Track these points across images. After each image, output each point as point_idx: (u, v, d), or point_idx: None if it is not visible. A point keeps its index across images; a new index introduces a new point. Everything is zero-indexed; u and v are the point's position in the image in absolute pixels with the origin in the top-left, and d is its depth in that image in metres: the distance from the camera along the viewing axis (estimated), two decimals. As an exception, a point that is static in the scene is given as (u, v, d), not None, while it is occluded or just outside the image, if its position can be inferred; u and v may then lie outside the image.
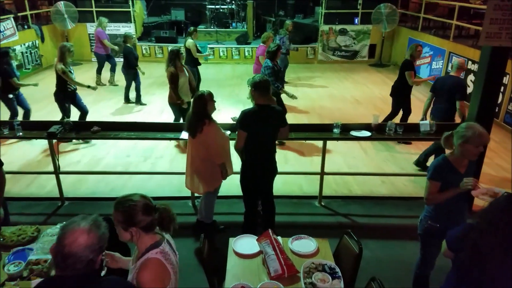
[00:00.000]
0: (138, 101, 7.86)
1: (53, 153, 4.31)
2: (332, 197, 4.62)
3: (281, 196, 4.32)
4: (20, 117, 6.07)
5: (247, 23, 12.13)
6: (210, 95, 3.47)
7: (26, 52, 9.91)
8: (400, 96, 5.98)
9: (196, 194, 4.31)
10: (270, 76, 5.40)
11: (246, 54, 11.53)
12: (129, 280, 1.88)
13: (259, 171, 3.52)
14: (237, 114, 3.55)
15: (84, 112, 6.03)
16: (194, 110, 3.48)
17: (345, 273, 2.51)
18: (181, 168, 4.76)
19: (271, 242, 2.58)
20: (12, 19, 9.43)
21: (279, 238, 2.69)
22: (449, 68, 8.53)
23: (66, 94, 5.74)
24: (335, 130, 4.20)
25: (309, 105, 7.97)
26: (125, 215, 1.83)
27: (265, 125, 3.39)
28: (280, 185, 3.75)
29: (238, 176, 3.76)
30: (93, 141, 5.87)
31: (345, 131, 4.23)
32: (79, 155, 5.65)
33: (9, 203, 3.72)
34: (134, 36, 7.90)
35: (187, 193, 4.37)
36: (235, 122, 4.01)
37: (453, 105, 4.85)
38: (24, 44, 9.83)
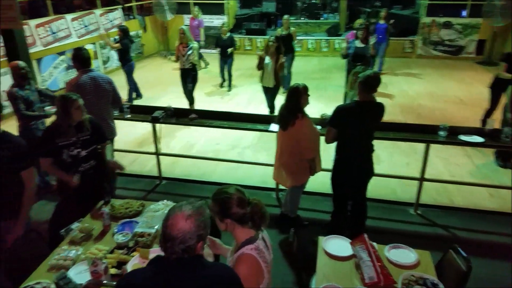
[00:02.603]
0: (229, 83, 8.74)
1: (156, 136, 4.63)
2: (430, 206, 4.25)
3: (371, 199, 4.07)
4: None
5: (339, 14, 11.72)
6: (304, 88, 3.38)
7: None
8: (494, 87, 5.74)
9: (280, 187, 4.29)
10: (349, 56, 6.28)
11: (336, 45, 11.14)
12: None
13: (354, 171, 3.35)
14: (322, 110, 3.43)
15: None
16: (287, 103, 3.43)
17: (448, 291, 2.27)
18: (266, 160, 4.79)
19: (366, 247, 2.43)
20: (121, 9, 10.41)
21: (374, 244, 2.53)
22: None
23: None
24: (441, 133, 3.82)
25: (406, 102, 7.42)
26: (221, 206, 1.88)
27: (361, 123, 3.22)
28: (371, 187, 3.52)
29: (323, 173, 3.63)
30: (188, 127, 6.19)
31: (452, 135, 3.83)
32: (175, 139, 6.03)
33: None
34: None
35: (272, 184, 4.37)
36: (324, 119, 3.91)
37: None
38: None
